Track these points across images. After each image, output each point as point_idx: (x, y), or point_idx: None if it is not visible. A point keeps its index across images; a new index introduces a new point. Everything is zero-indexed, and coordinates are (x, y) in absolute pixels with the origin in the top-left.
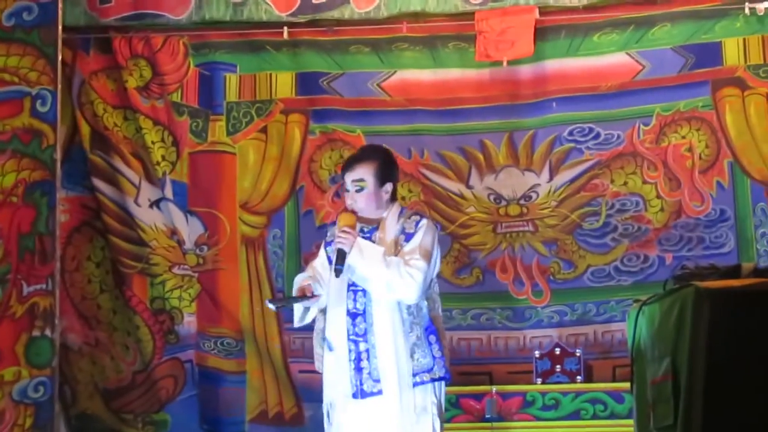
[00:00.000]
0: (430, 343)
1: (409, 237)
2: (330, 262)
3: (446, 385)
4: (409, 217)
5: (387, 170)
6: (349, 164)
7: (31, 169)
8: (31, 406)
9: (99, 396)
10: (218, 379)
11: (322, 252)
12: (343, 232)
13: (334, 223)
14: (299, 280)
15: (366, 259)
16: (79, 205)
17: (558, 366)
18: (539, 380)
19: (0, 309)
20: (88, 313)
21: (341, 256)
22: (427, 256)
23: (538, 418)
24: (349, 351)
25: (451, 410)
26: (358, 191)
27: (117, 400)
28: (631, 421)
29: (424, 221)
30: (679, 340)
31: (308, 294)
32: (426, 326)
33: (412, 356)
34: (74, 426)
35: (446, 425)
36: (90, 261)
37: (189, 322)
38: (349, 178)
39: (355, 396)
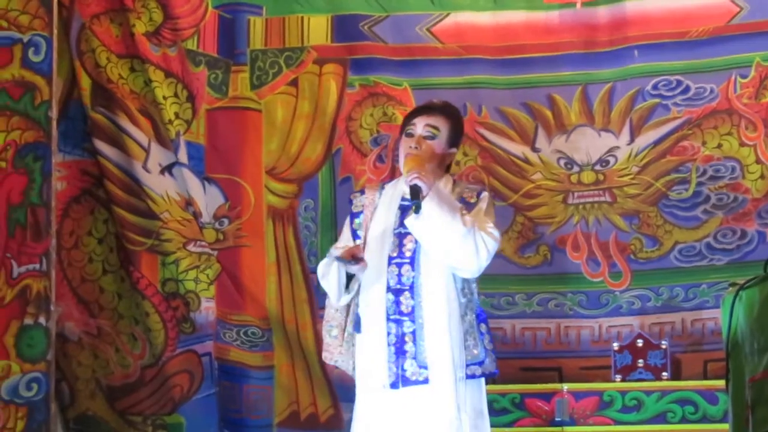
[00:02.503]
0: (481, 333)
1: (470, 207)
2: (356, 237)
3: (488, 383)
4: (467, 186)
5: (458, 134)
6: (426, 108)
7: (22, 129)
8: (23, 406)
9: (102, 395)
10: (241, 375)
11: (346, 228)
12: (418, 171)
13: (362, 192)
14: (326, 269)
15: (443, 206)
16: (79, 171)
17: (640, 360)
18: (618, 377)
19: None
20: (89, 298)
21: (416, 193)
22: (498, 229)
23: (618, 422)
24: (388, 333)
25: (515, 412)
26: (428, 137)
27: (123, 400)
28: (726, 426)
29: (487, 193)
30: None
31: (359, 256)
32: (478, 312)
33: (464, 344)
34: (73, 429)
35: (510, 430)
36: (91, 236)
37: (207, 309)
38: (424, 121)
39: (394, 385)
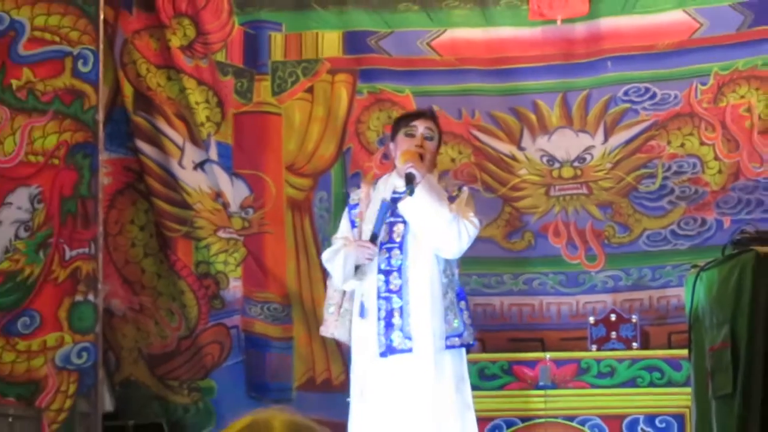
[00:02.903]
0: (461, 309)
1: (453, 199)
2: (354, 225)
3: (468, 353)
4: (451, 182)
5: (441, 136)
6: (423, 114)
7: (72, 130)
8: (74, 372)
9: (143, 362)
10: (265, 345)
11: (345, 219)
12: (413, 162)
13: (358, 186)
14: (333, 255)
15: (433, 194)
16: (122, 168)
17: (613, 332)
18: (594, 347)
19: (42, 273)
20: (132, 278)
21: (410, 180)
22: (477, 218)
23: (594, 386)
24: (378, 309)
25: (504, 377)
26: (428, 138)
27: (162, 367)
28: (688, 389)
29: (466, 188)
30: (739, 306)
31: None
32: (458, 291)
33: (444, 319)
34: (118, 392)
35: (499, 392)
36: (133, 224)
37: (235, 287)
38: (424, 124)
39: (383, 354)
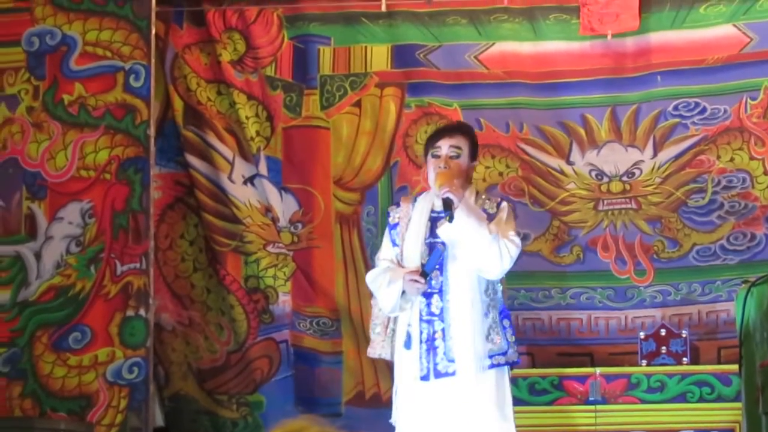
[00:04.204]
0: (504, 327)
1: (491, 217)
2: (395, 245)
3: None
4: (488, 199)
5: (476, 149)
6: (447, 130)
7: (124, 145)
8: (125, 387)
9: (192, 376)
10: (314, 359)
11: (386, 239)
12: (449, 186)
13: (398, 205)
14: (379, 279)
15: (472, 217)
16: (173, 182)
17: (663, 347)
18: (644, 362)
19: (94, 288)
20: (182, 292)
21: (448, 205)
22: (519, 236)
23: (644, 401)
24: (421, 332)
25: (554, 392)
26: (453, 157)
27: (211, 381)
28: (739, 405)
29: (506, 204)
30: None
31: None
32: (501, 310)
33: (487, 338)
34: (168, 407)
35: (550, 407)
36: (183, 239)
37: (284, 302)
38: (448, 143)
39: (425, 378)
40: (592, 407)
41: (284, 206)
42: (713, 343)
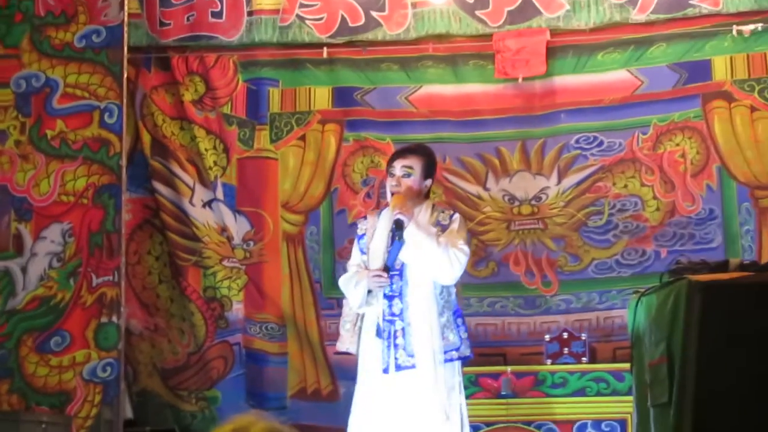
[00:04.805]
0: (457, 325)
1: (444, 228)
2: (363, 252)
3: (464, 365)
4: (443, 211)
5: (431, 168)
6: (402, 152)
7: (99, 174)
8: (99, 384)
9: (157, 375)
10: (263, 359)
11: (355, 248)
12: (400, 209)
13: (365, 218)
14: (349, 281)
15: (421, 234)
16: (141, 206)
17: (566, 348)
18: (549, 361)
19: (72, 298)
20: (149, 302)
21: (399, 225)
22: (468, 244)
23: (549, 395)
24: (383, 330)
25: (471, 388)
26: (405, 176)
27: (173, 379)
28: (630, 398)
29: (458, 215)
30: (674, 327)
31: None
32: (454, 310)
33: (442, 335)
34: (136, 401)
35: (467, 401)
36: (150, 255)
37: (237, 309)
38: (401, 163)
39: (386, 371)
40: (503, 401)
41: (238, 226)
42: (609, 345)
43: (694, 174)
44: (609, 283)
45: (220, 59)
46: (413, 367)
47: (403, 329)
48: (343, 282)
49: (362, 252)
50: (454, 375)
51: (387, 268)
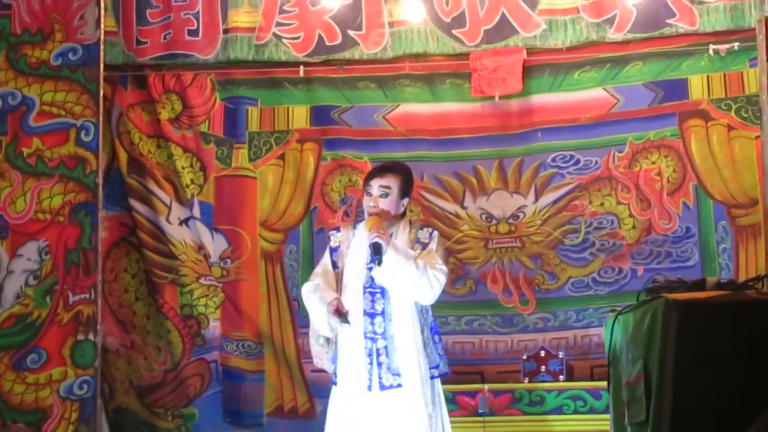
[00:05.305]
0: (435, 342)
1: (425, 246)
2: (335, 267)
3: (441, 382)
4: (422, 229)
5: (408, 186)
6: (379, 171)
7: (76, 191)
8: (76, 401)
9: (134, 392)
10: (240, 377)
11: (326, 257)
12: (377, 231)
13: (337, 229)
14: (310, 292)
15: (400, 257)
16: (118, 223)
17: (543, 366)
18: (526, 379)
19: (49, 316)
20: (125, 319)
21: (378, 249)
22: (446, 263)
23: (526, 413)
24: (365, 348)
25: (448, 405)
26: (382, 196)
27: (150, 396)
28: (608, 416)
29: (436, 233)
30: (651, 345)
31: (344, 311)
32: (431, 326)
33: (425, 352)
34: (112, 418)
35: None
36: (126, 272)
37: (214, 327)
38: (378, 183)
39: (370, 389)
40: (481, 419)
41: (215, 244)
42: (586, 363)
43: (670, 192)
44: (586, 301)
45: (197, 78)
46: (399, 386)
47: (386, 347)
48: (305, 292)
49: (335, 266)
50: (435, 391)
51: (346, 318)
